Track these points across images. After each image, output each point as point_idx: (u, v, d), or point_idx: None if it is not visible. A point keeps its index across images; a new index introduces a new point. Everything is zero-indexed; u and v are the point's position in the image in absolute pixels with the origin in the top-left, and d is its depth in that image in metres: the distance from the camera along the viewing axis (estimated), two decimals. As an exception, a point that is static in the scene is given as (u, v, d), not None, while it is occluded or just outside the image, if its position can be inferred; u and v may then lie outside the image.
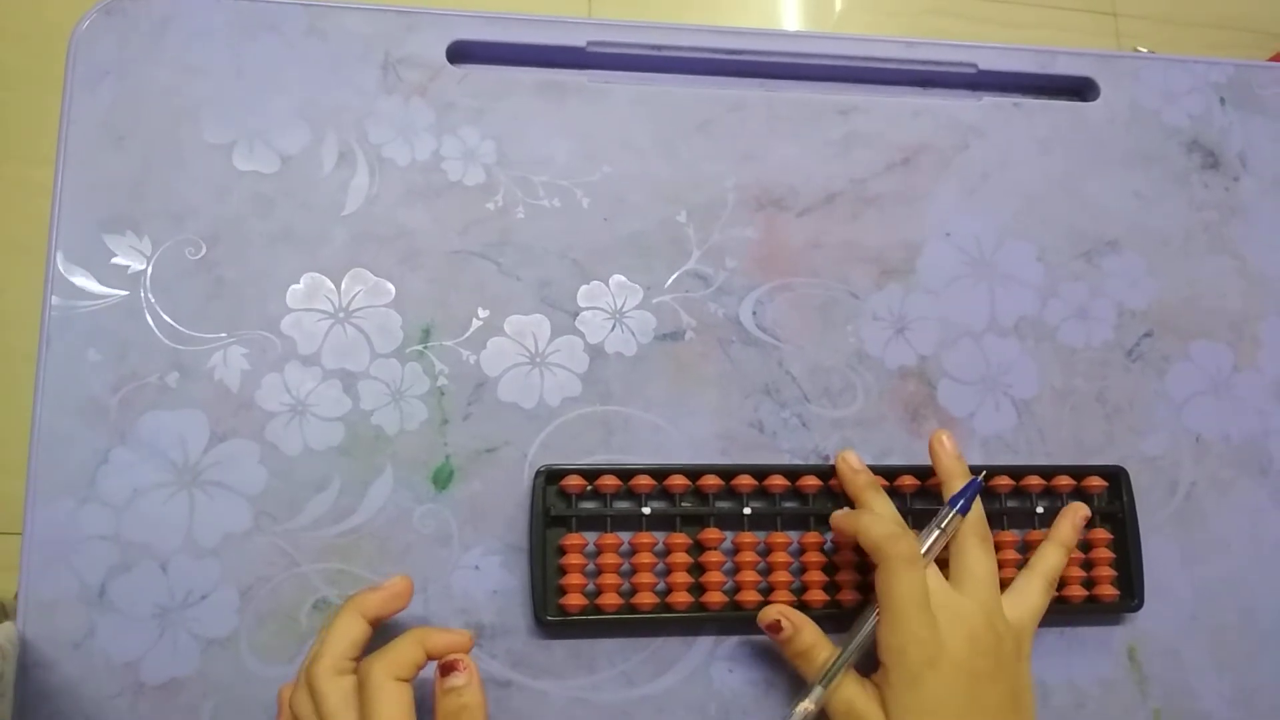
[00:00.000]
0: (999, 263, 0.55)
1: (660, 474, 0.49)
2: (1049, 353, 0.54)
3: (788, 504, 0.50)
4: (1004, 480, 0.51)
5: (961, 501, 0.47)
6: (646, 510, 0.48)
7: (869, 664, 0.45)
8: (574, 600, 0.47)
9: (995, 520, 0.51)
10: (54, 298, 0.47)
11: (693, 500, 0.49)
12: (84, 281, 0.47)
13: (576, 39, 0.54)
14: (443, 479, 0.48)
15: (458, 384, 0.49)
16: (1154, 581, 0.51)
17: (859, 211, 0.54)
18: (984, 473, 0.49)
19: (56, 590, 0.44)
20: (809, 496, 0.50)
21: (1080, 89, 0.59)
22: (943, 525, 0.47)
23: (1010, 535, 0.50)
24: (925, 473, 0.50)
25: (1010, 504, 0.51)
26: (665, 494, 0.49)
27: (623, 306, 0.51)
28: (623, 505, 0.49)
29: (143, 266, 0.48)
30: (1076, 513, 0.50)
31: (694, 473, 0.49)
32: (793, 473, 0.50)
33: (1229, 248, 0.57)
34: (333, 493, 0.47)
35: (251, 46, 0.51)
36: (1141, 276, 0.56)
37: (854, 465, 0.49)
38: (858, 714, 0.44)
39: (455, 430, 0.48)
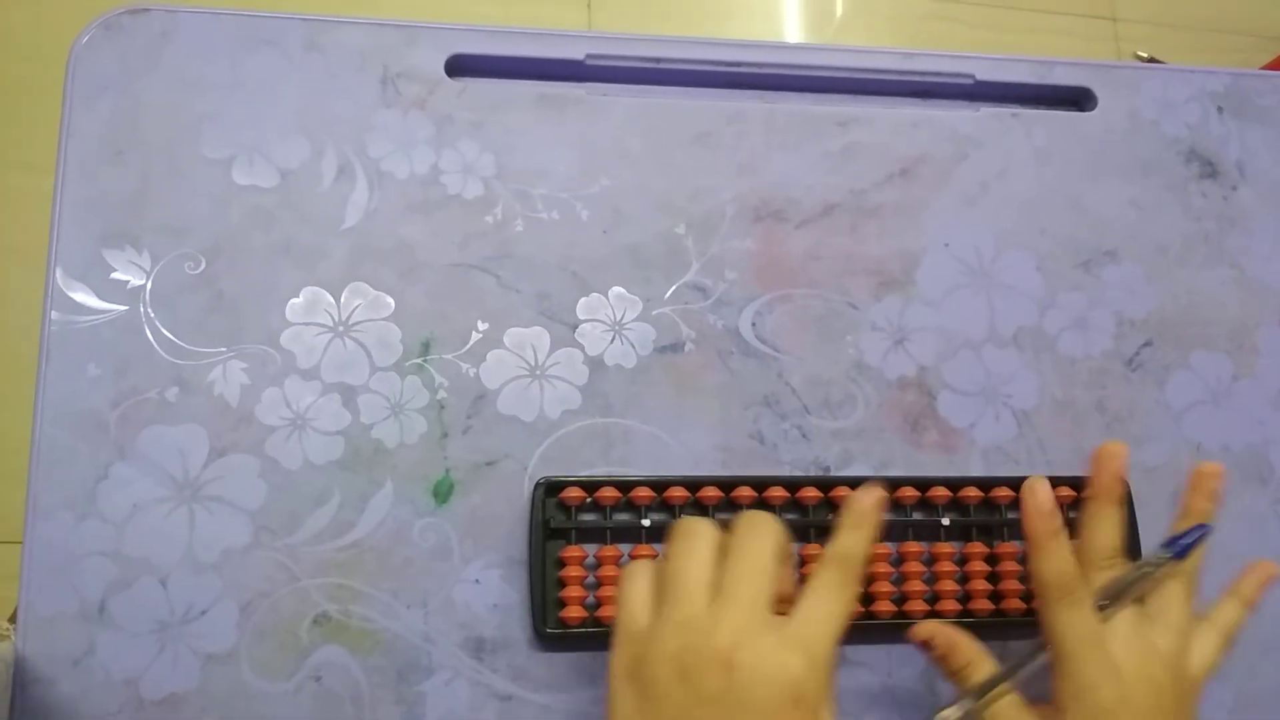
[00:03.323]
0: (998, 273, 0.55)
1: (660, 486, 0.49)
2: (1048, 363, 0.54)
3: (788, 515, 0.50)
4: (1004, 491, 0.51)
5: (1180, 544, 0.44)
6: (646, 522, 0.48)
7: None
8: (574, 613, 0.46)
9: (996, 532, 0.51)
10: (53, 313, 0.47)
11: (693, 512, 0.49)
12: (83, 296, 0.47)
13: (575, 52, 0.54)
14: (443, 492, 0.48)
15: (457, 397, 0.49)
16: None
17: (858, 223, 0.55)
18: (1208, 527, 0.45)
19: (56, 606, 0.44)
20: (809, 508, 0.49)
21: (1078, 99, 0.59)
22: (1152, 566, 0.44)
23: (1011, 547, 0.50)
24: (926, 484, 0.50)
25: (1011, 515, 0.51)
26: (665, 506, 0.49)
27: (622, 318, 0.51)
28: (622, 517, 0.48)
29: (142, 281, 0.48)
30: (1264, 571, 0.47)
31: (694, 484, 0.49)
32: (793, 484, 0.49)
33: (1227, 257, 0.57)
34: (333, 507, 0.47)
35: (251, 61, 0.52)
36: (1140, 286, 0.56)
37: (1044, 508, 0.44)
38: None
39: (455, 443, 0.48)
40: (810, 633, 0.38)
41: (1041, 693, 0.43)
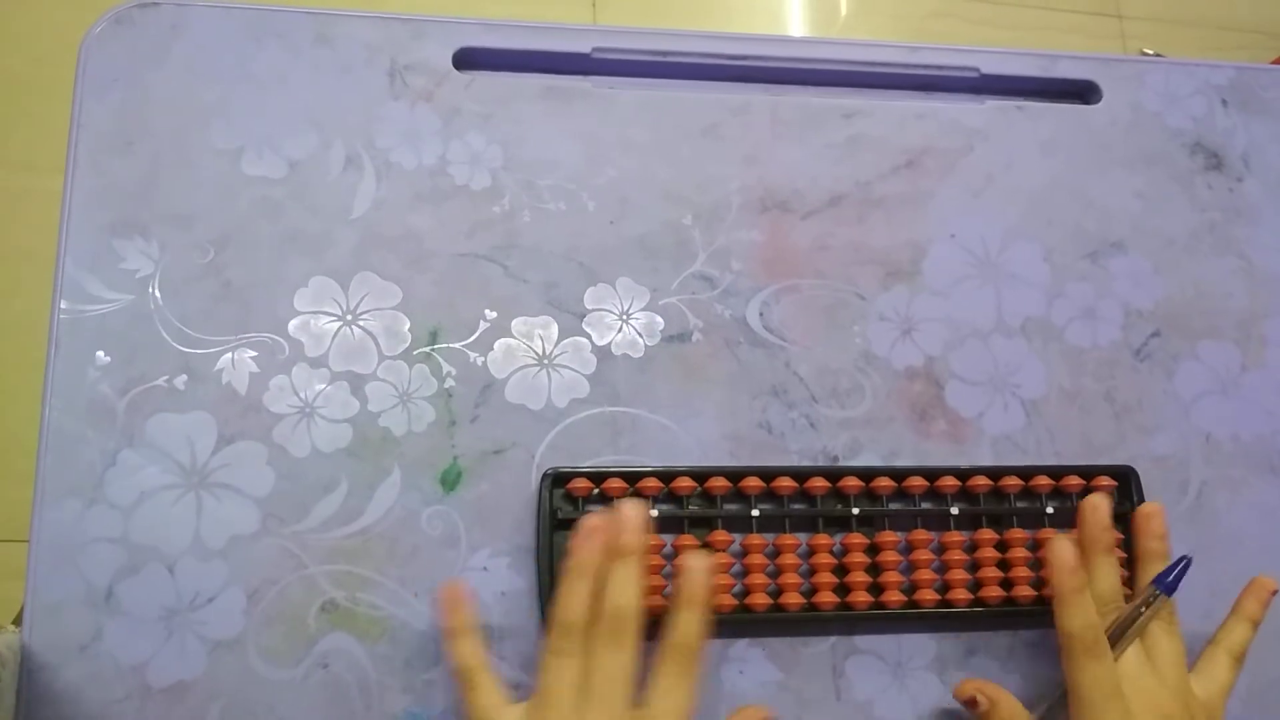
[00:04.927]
0: (1005, 264, 0.55)
1: (667, 476, 0.48)
2: (1056, 353, 0.54)
3: (796, 506, 0.49)
4: (1013, 480, 0.50)
5: (1169, 581, 0.46)
6: (654, 513, 0.48)
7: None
8: (582, 603, 0.46)
9: (1005, 520, 0.50)
10: (63, 302, 0.47)
11: (700, 502, 0.49)
12: (93, 285, 0.47)
13: (581, 45, 0.55)
14: (450, 480, 0.48)
15: (465, 386, 0.49)
16: (1166, 581, 0.51)
17: (864, 214, 0.55)
18: (1188, 558, 0.47)
19: (63, 593, 0.44)
20: (817, 498, 0.49)
21: (1082, 92, 0.59)
22: (1147, 604, 0.46)
23: (1020, 534, 0.50)
24: (934, 474, 0.50)
25: (1020, 504, 0.51)
26: (672, 496, 0.49)
27: (629, 308, 0.51)
28: (630, 507, 0.48)
29: (151, 270, 0.48)
30: (1265, 589, 0.49)
31: (701, 475, 0.49)
32: (801, 474, 0.49)
33: (1234, 248, 0.57)
34: (340, 494, 0.47)
35: (259, 54, 0.52)
36: (1147, 277, 0.56)
37: (1103, 521, 0.47)
38: None
39: (463, 432, 0.48)
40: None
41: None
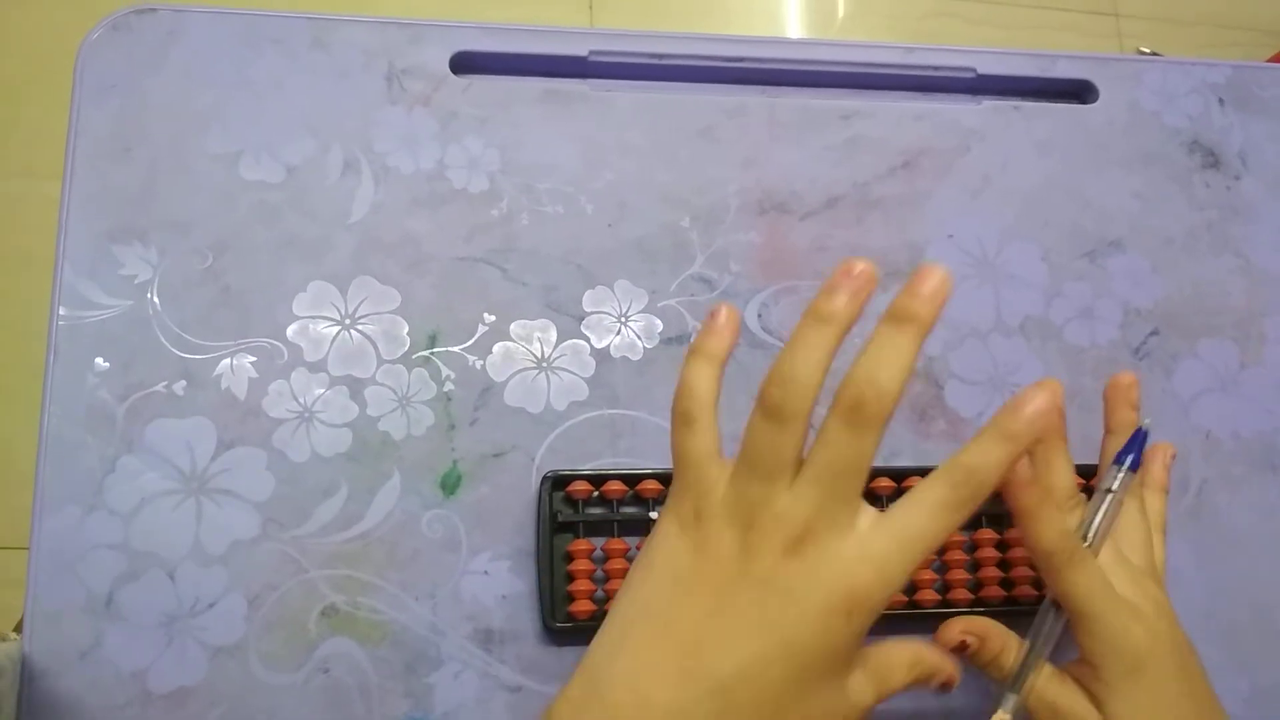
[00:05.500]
0: (1003, 264, 0.55)
1: (667, 478, 0.48)
2: (1055, 352, 0.54)
3: (796, 506, 0.49)
4: (1013, 480, 0.50)
5: (1130, 457, 0.43)
6: (654, 515, 0.48)
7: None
8: (583, 606, 0.46)
9: (1005, 519, 0.50)
10: (61, 308, 0.47)
11: (701, 503, 0.49)
12: (91, 291, 0.47)
13: (578, 49, 0.55)
14: (450, 484, 0.48)
15: (464, 389, 0.49)
16: (1167, 580, 0.50)
17: (862, 215, 0.55)
18: (1148, 420, 0.44)
19: (63, 600, 0.44)
20: (817, 498, 0.49)
21: (1079, 91, 0.59)
22: (1114, 488, 0.43)
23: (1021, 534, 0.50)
24: (934, 474, 0.50)
25: (1020, 503, 0.51)
26: (673, 497, 0.49)
27: (628, 311, 0.51)
28: (630, 510, 0.48)
29: (150, 276, 0.48)
30: (1166, 453, 0.46)
31: (702, 476, 0.49)
32: (801, 475, 0.49)
33: (1232, 246, 0.57)
34: (340, 499, 0.47)
35: (257, 59, 0.52)
36: (1146, 276, 0.56)
37: (1024, 478, 0.39)
38: (1064, 714, 0.40)
39: (462, 435, 0.48)
40: (892, 549, 0.33)
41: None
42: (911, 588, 0.49)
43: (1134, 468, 0.44)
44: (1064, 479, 0.44)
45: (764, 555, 0.34)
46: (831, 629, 0.33)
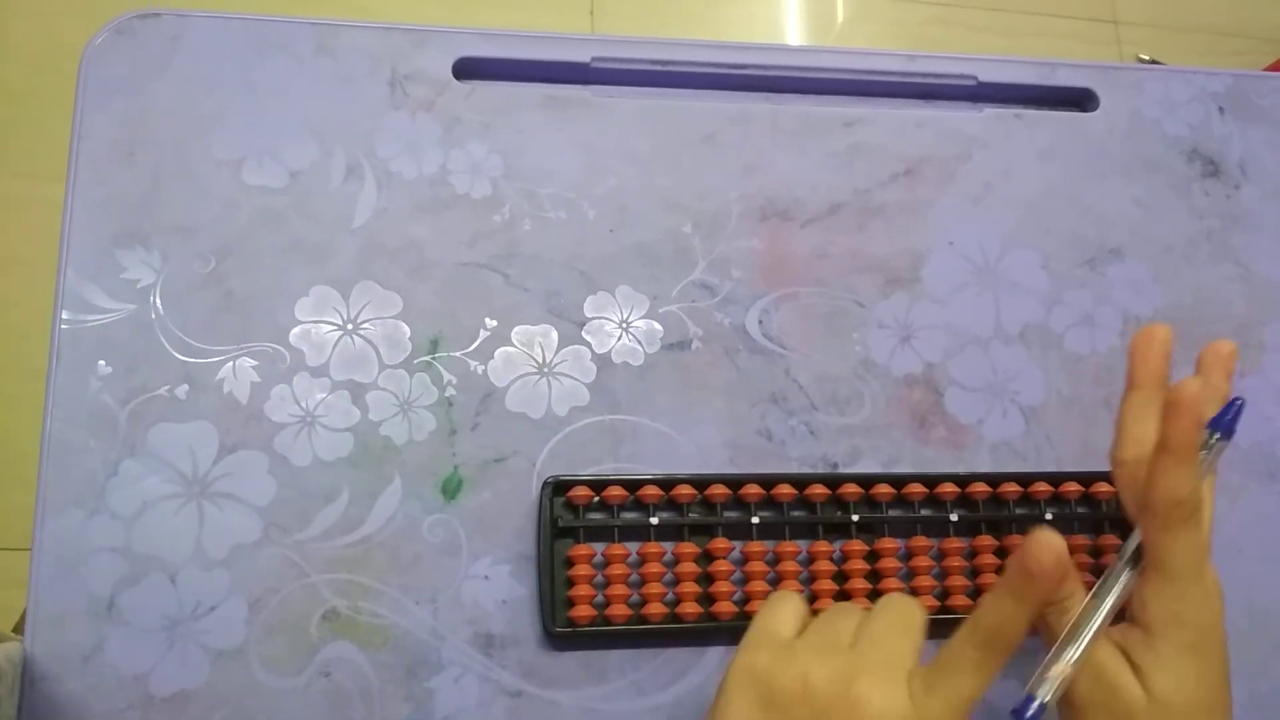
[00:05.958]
0: (1003, 271, 0.55)
1: (667, 484, 0.49)
2: (1055, 360, 0.54)
3: (796, 513, 0.50)
4: (1012, 487, 0.51)
5: (1226, 422, 0.41)
6: (654, 520, 0.48)
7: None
8: (583, 612, 0.46)
9: (1004, 526, 0.51)
10: (64, 312, 0.47)
11: (700, 510, 0.49)
12: (94, 295, 0.48)
13: (581, 55, 0.55)
14: (451, 489, 0.48)
15: (466, 394, 0.49)
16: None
17: (863, 222, 0.55)
18: (1241, 399, 0.42)
19: (65, 603, 0.44)
20: (817, 505, 0.49)
21: (1080, 100, 0.60)
22: (1208, 455, 0.41)
23: (1019, 540, 0.50)
24: (933, 480, 0.50)
25: (1019, 510, 0.51)
26: (673, 504, 0.49)
27: (629, 316, 0.51)
28: (630, 516, 0.48)
29: (153, 280, 0.48)
30: (1229, 360, 0.44)
31: (701, 482, 0.49)
32: (800, 481, 0.49)
33: (1232, 255, 0.57)
34: (342, 503, 0.47)
35: (260, 64, 0.52)
36: (1146, 284, 0.56)
37: (1200, 416, 0.37)
38: (1109, 682, 0.39)
39: (464, 440, 0.48)
40: (938, 709, 0.36)
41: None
42: (910, 594, 0.49)
43: (1228, 434, 0.41)
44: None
45: (833, 703, 0.37)
46: None
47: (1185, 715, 0.38)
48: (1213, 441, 0.41)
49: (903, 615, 0.39)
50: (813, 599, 0.48)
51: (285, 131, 0.51)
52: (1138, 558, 0.40)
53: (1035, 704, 0.37)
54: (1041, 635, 0.41)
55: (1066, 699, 0.39)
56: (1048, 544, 0.35)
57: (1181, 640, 0.39)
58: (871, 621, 0.38)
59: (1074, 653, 0.38)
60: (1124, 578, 0.40)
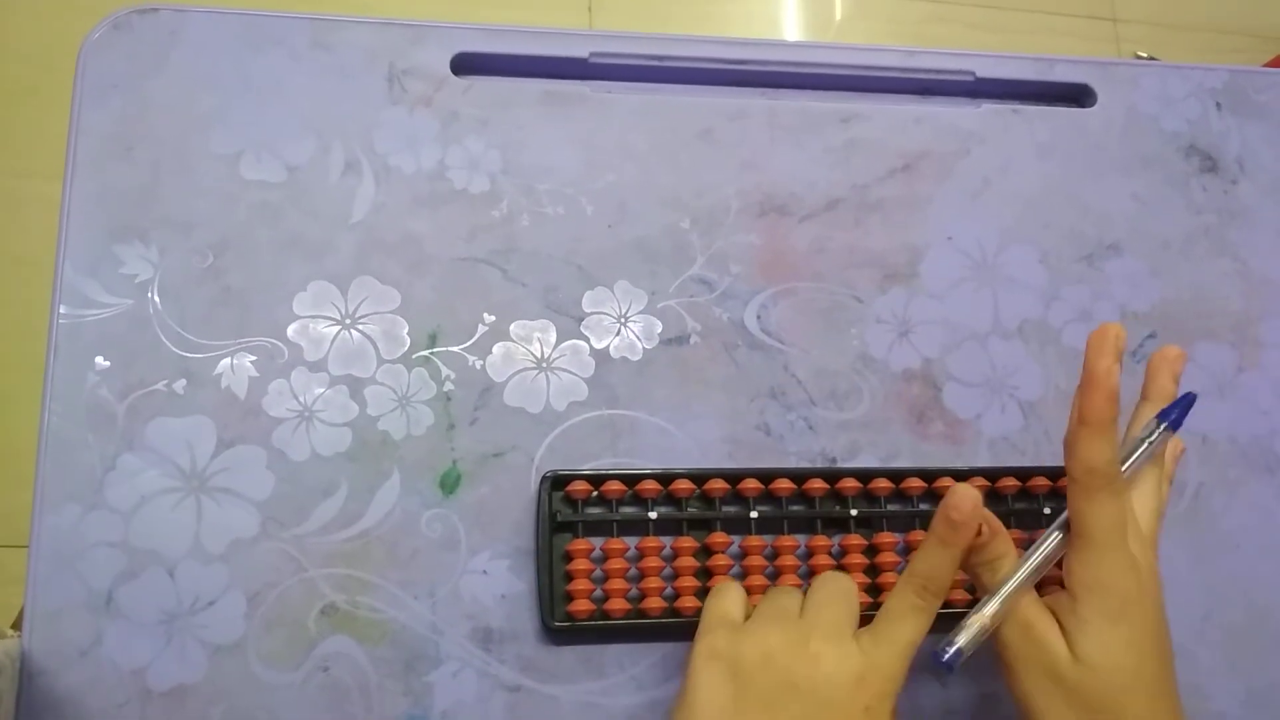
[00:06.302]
0: (1001, 266, 0.55)
1: (666, 478, 0.49)
2: (1053, 355, 0.54)
3: (794, 507, 0.50)
4: (1011, 481, 0.51)
5: (1174, 416, 0.43)
6: (653, 515, 0.48)
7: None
8: (582, 606, 0.46)
9: (1003, 521, 0.50)
10: (62, 306, 0.47)
11: (699, 504, 0.49)
12: (92, 290, 0.48)
13: (579, 50, 0.55)
14: (450, 483, 0.48)
15: (464, 389, 0.49)
16: (1164, 582, 0.50)
17: (861, 217, 0.55)
18: (1193, 394, 0.44)
19: (63, 598, 0.44)
20: (815, 500, 0.50)
21: (1078, 95, 0.60)
22: (1151, 441, 0.43)
23: (1018, 534, 0.50)
24: (932, 475, 0.50)
25: (1017, 505, 0.51)
26: (671, 498, 0.49)
27: (627, 311, 0.51)
28: (629, 510, 0.48)
29: (151, 275, 0.48)
30: (1176, 446, 0.45)
31: (700, 477, 0.49)
32: (799, 476, 0.49)
33: (1229, 250, 0.57)
34: (340, 498, 0.47)
35: (258, 59, 0.52)
36: (1143, 279, 0.56)
37: (1113, 392, 0.41)
38: (1036, 639, 0.41)
39: (462, 435, 0.48)
40: (886, 654, 0.40)
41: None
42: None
43: (1175, 426, 0.43)
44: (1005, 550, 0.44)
45: (794, 666, 0.41)
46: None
47: (1109, 677, 0.40)
48: (1158, 431, 0.43)
49: (839, 586, 0.43)
50: (811, 593, 0.48)
51: (283, 126, 0.51)
52: (1067, 525, 0.42)
53: (954, 649, 0.41)
54: (977, 592, 0.44)
55: (1004, 654, 0.42)
56: (966, 494, 0.40)
57: (1105, 607, 0.40)
58: (813, 594, 0.43)
59: (993, 605, 0.42)
60: (1050, 540, 0.42)
